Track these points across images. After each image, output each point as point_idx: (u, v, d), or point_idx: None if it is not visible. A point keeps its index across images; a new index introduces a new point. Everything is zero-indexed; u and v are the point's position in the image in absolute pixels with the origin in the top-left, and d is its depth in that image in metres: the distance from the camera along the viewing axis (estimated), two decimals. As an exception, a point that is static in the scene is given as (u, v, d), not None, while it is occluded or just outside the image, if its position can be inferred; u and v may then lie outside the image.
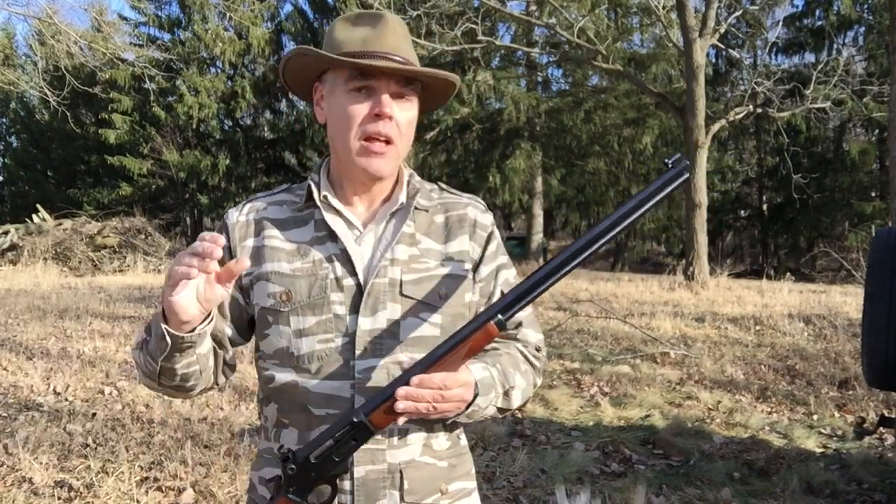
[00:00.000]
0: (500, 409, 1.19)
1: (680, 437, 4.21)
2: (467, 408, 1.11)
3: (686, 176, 1.11)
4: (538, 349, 1.28)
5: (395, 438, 1.15)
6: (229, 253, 1.21)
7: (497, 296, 1.24)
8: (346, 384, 1.13)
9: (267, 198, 1.26)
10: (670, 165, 1.10)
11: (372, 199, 1.22)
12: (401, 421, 1.06)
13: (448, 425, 1.21)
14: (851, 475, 3.68)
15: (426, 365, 1.05)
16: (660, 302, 9.90)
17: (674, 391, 5.44)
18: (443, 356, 1.06)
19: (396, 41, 1.14)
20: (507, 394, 1.18)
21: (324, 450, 1.06)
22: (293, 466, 1.07)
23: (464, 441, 1.27)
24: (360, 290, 1.14)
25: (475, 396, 1.11)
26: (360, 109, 1.13)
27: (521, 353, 1.25)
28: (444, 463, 1.20)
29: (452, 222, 1.23)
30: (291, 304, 1.15)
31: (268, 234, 1.20)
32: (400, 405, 1.02)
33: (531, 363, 1.26)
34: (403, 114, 1.15)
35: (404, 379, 1.04)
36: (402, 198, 1.21)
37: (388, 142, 1.14)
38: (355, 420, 1.05)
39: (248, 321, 1.24)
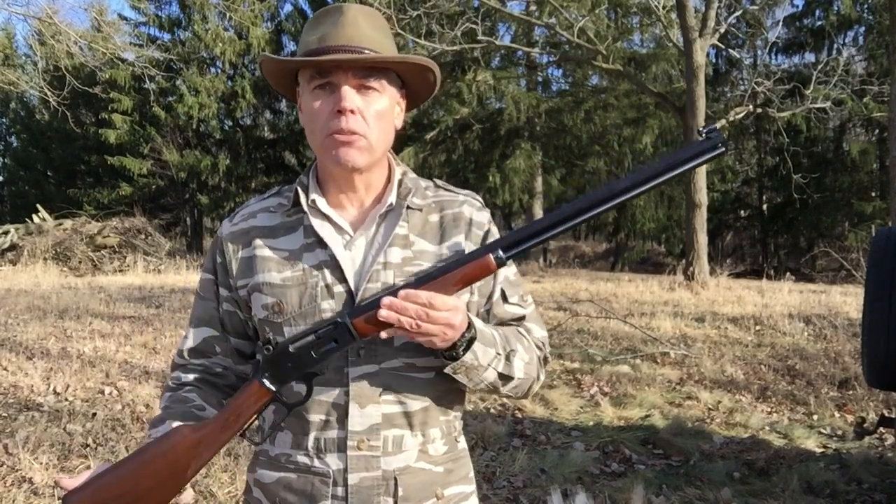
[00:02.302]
0: (501, 377, 1.14)
1: (680, 437, 4.21)
2: (465, 350, 1.07)
3: (722, 149, 1.02)
4: (543, 343, 1.26)
5: (391, 445, 1.13)
6: (224, 268, 1.22)
7: (497, 294, 1.22)
8: (340, 391, 1.12)
9: (258, 203, 1.25)
10: (704, 135, 1.04)
11: (361, 201, 1.19)
12: (384, 334, 1.04)
13: (445, 429, 1.19)
14: (851, 475, 3.68)
15: (417, 284, 1.04)
16: (660, 302, 9.89)
17: (674, 391, 5.43)
18: (436, 277, 1.05)
19: (356, 31, 1.11)
20: (508, 358, 1.14)
21: (304, 343, 1.06)
22: (269, 347, 1.07)
23: (462, 444, 1.25)
24: (351, 296, 1.12)
25: (472, 340, 1.08)
26: (323, 107, 1.11)
27: (525, 336, 1.23)
28: (440, 468, 1.18)
29: (447, 221, 1.20)
30: (284, 315, 1.14)
31: (258, 243, 1.19)
32: (383, 312, 1.01)
33: (534, 348, 1.23)
34: (370, 105, 1.12)
35: (394, 292, 1.03)
36: (392, 198, 1.18)
37: (353, 134, 1.11)
38: (339, 321, 1.05)
39: (254, 330, 1.23)
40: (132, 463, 1.06)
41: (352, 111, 1.10)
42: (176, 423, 1.15)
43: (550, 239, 1.08)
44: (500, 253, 1.05)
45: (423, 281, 1.05)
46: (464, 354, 1.08)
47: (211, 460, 1.12)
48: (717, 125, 1.05)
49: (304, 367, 1.07)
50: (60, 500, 1.04)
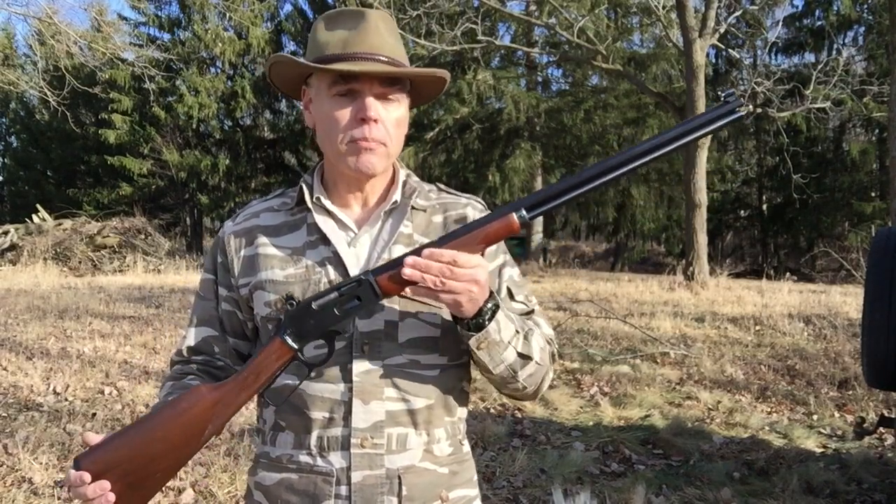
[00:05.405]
0: (521, 356, 1.12)
1: (680, 437, 4.21)
2: (490, 319, 1.06)
3: (741, 114, 1.05)
4: (551, 339, 1.25)
5: (395, 443, 1.13)
6: (225, 267, 1.22)
7: (504, 292, 1.22)
8: (344, 387, 1.11)
9: (260, 204, 1.26)
10: (724, 99, 1.06)
11: (366, 200, 1.20)
12: (408, 292, 1.04)
13: (450, 430, 1.19)
14: (851, 475, 3.68)
15: (441, 242, 1.04)
16: (660, 302, 9.89)
17: (674, 391, 5.43)
18: (459, 236, 1.05)
19: (379, 39, 1.12)
20: (526, 337, 1.13)
21: (327, 300, 1.05)
22: (293, 302, 1.06)
23: (466, 447, 1.25)
24: None
25: (496, 308, 1.07)
26: (345, 115, 1.12)
27: (536, 325, 1.22)
28: (444, 469, 1.17)
29: (451, 222, 1.21)
30: None
31: (261, 241, 1.19)
32: (406, 271, 1.01)
33: (545, 340, 1.22)
34: (390, 114, 1.13)
35: (418, 251, 1.03)
36: (397, 196, 1.19)
37: (376, 142, 1.12)
38: (362, 278, 1.04)
39: (253, 330, 1.24)
40: (147, 424, 1.05)
41: (375, 120, 1.11)
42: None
43: (573, 201, 1.07)
44: (524, 212, 1.05)
45: (446, 240, 1.05)
46: (489, 323, 1.07)
47: (229, 421, 1.09)
48: (736, 91, 1.08)
49: (327, 324, 1.06)
50: (72, 462, 1.02)
